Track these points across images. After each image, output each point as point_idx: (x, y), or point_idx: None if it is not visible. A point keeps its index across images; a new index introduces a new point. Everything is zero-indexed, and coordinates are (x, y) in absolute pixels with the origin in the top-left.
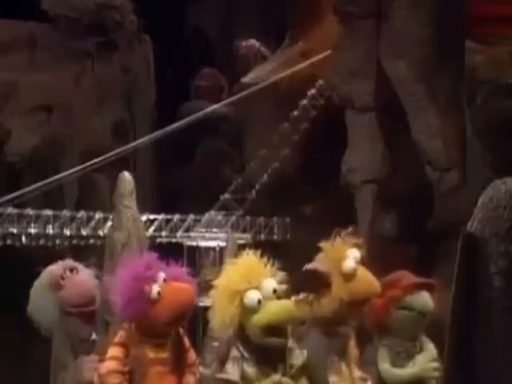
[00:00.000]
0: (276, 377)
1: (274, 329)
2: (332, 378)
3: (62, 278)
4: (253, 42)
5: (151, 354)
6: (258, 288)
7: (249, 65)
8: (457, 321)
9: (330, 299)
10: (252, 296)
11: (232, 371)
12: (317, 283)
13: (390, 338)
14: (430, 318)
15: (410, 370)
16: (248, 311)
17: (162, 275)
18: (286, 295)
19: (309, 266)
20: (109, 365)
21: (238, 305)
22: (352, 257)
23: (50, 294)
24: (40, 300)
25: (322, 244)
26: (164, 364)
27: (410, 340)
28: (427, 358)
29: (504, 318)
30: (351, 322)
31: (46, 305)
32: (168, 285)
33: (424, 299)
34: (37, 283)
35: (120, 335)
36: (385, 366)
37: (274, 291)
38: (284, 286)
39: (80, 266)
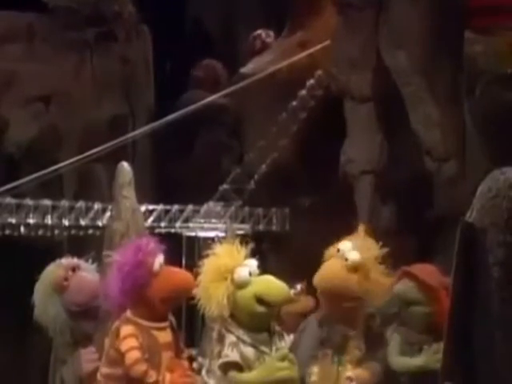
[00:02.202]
0: (284, 351)
1: (265, 302)
2: (314, 369)
3: (66, 279)
4: (263, 32)
5: (161, 339)
6: (245, 265)
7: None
8: (455, 311)
9: None
10: (242, 270)
11: (232, 354)
12: None
13: (402, 328)
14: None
15: (417, 359)
16: (240, 287)
17: (161, 256)
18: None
19: None
20: (133, 354)
21: (230, 282)
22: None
23: (55, 296)
24: (46, 304)
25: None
26: (171, 349)
27: (420, 332)
28: (434, 349)
29: (502, 309)
30: (355, 322)
31: (53, 308)
32: (166, 266)
33: (401, 287)
34: (39, 286)
35: (127, 328)
36: (392, 354)
37: (258, 267)
38: (299, 286)
39: (81, 262)
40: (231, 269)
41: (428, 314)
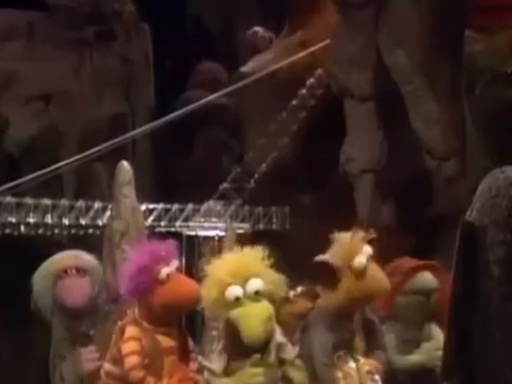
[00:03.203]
0: (257, 356)
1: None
2: (338, 375)
3: (65, 272)
4: (260, 29)
5: (164, 343)
6: (241, 285)
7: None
8: (456, 307)
9: (339, 294)
10: (230, 292)
11: (216, 362)
12: (326, 275)
13: (397, 325)
14: (436, 302)
15: (415, 357)
16: (228, 304)
17: (176, 263)
18: (303, 296)
19: (320, 258)
20: (132, 359)
21: (221, 296)
22: (365, 253)
23: (48, 278)
24: (38, 278)
25: (336, 235)
26: (175, 353)
27: (417, 326)
28: (434, 346)
29: (502, 305)
30: (357, 315)
31: (40, 286)
32: (178, 275)
33: (424, 278)
34: (42, 268)
35: (132, 329)
36: (390, 352)
37: (257, 293)
38: (299, 289)
39: (90, 269)
40: (225, 284)
41: (439, 298)
